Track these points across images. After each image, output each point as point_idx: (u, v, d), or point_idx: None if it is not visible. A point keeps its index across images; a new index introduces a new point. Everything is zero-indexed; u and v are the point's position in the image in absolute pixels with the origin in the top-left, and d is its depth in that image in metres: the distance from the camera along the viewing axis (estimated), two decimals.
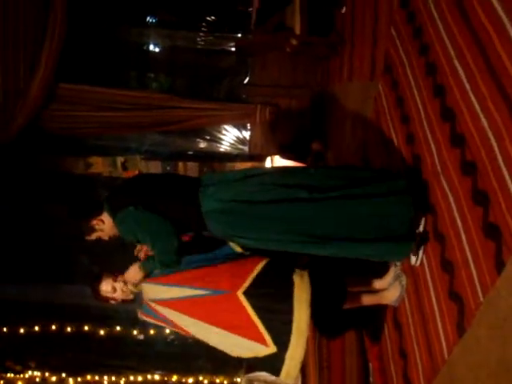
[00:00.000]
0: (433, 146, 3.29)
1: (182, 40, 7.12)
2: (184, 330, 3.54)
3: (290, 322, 3.22)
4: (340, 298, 3.52)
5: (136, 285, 3.51)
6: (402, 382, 3.58)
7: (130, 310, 7.11)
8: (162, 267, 3.38)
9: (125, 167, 6.81)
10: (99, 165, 6.87)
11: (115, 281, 3.54)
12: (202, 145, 6.95)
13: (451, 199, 3.00)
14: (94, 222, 3.44)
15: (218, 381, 7.15)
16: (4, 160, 5.97)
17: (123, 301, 3.63)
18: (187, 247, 3.54)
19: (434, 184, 3.23)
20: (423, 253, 3.33)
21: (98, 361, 7.35)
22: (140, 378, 7.29)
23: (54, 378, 7.14)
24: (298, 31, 5.54)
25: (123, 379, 7.33)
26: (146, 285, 3.50)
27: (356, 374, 4.31)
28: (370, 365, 4.18)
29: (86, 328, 7.22)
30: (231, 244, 3.58)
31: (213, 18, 6.97)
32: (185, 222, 3.36)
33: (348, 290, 3.57)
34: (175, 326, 3.53)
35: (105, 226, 3.45)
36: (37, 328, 7.18)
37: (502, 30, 2.59)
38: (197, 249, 3.60)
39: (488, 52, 2.70)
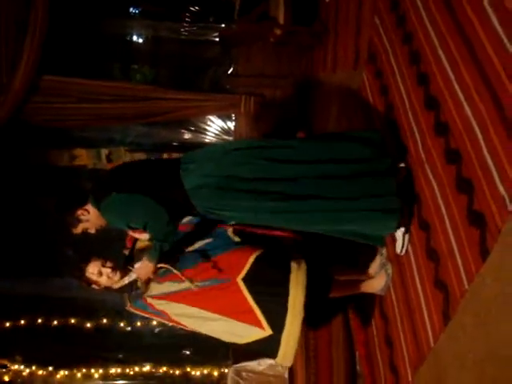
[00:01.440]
0: (417, 134, 3.29)
1: (165, 31, 7.07)
2: (178, 323, 3.56)
3: (285, 304, 3.25)
4: (326, 286, 3.54)
5: (150, 280, 3.50)
6: (388, 370, 3.60)
7: (116, 302, 7.13)
8: (160, 244, 3.36)
9: (109, 159, 6.77)
10: (84, 157, 6.83)
11: (103, 266, 3.53)
12: (187, 136, 6.92)
13: (435, 187, 3.01)
14: (79, 212, 3.41)
15: (205, 372, 7.15)
16: None
17: (106, 288, 3.61)
18: (180, 244, 3.57)
19: (419, 172, 3.24)
20: (408, 241, 3.35)
21: (85, 354, 7.32)
22: (128, 370, 7.28)
23: (41, 372, 7.11)
24: (281, 21, 5.52)
25: (111, 371, 7.32)
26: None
27: (343, 362, 4.33)
28: (357, 353, 4.21)
29: (73, 321, 7.19)
30: (228, 233, 3.60)
31: (196, 8, 6.93)
32: (172, 205, 3.34)
33: (334, 279, 3.58)
34: (169, 318, 3.54)
35: (90, 215, 3.43)
36: (23, 321, 7.15)
37: (486, 19, 2.59)
38: (190, 244, 3.62)
39: (471, 41, 2.70)
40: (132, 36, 7.22)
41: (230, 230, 3.68)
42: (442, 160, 2.95)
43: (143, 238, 3.67)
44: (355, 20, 4.73)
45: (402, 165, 3.40)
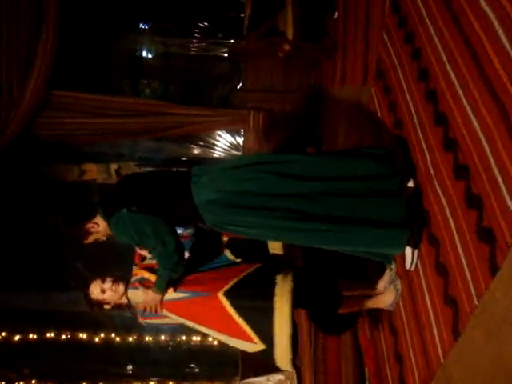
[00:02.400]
0: (426, 150, 3.30)
1: (175, 46, 7.13)
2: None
3: (271, 318, 3.24)
4: (335, 302, 3.53)
5: (159, 309, 3.48)
6: None
7: (124, 317, 7.14)
8: (168, 273, 3.34)
9: (119, 174, 6.81)
10: (93, 172, 6.87)
11: (103, 282, 3.55)
12: (196, 151, 6.96)
13: (444, 203, 3.01)
14: (89, 225, 3.41)
15: None
16: None
17: (118, 306, 3.62)
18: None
19: (428, 188, 3.24)
20: (418, 257, 3.34)
21: (92, 368, 7.33)
22: None
23: None
24: (290, 36, 5.54)
25: None
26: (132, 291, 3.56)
27: (352, 379, 4.31)
28: (366, 369, 4.19)
29: (82, 335, 7.21)
30: (226, 253, 3.62)
31: (206, 24, 6.98)
32: (180, 217, 3.35)
33: (343, 295, 3.57)
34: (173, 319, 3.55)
35: (100, 228, 3.42)
36: (32, 335, 7.16)
37: (494, 36, 2.60)
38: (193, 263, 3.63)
39: (480, 57, 2.71)
40: (142, 51, 7.29)
41: (227, 253, 3.74)
42: (451, 175, 2.95)
43: (150, 256, 3.69)
44: (363, 36, 4.76)
45: (411, 183, 3.40)
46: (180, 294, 3.42)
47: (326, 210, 3.14)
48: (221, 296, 3.30)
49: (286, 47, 5.60)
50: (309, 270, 3.82)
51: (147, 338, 7.27)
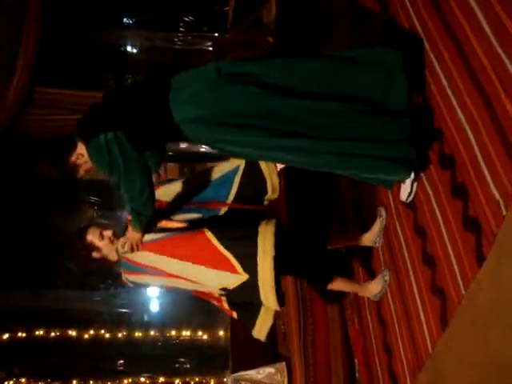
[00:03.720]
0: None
1: (159, 40, 7.10)
2: (166, 274, 3.40)
3: (254, 245, 3.19)
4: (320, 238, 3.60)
5: (140, 247, 3.35)
6: (387, 377, 3.59)
7: (114, 313, 7.13)
8: (135, 213, 3.24)
9: None
10: None
11: (104, 229, 3.45)
12: (183, 145, 6.93)
13: (430, 193, 3.01)
14: (73, 158, 3.27)
15: (204, 381, 7.15)
16: None
17: (105, 260, 3.48)
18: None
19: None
20: (416, 190, 3.17)
21: (83, 365, 7.31)
22: (126, 382, 7.26)
23: None
24: (274, 28, 5.54)
25: (109, 383, 7.30)
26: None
27: (342, 370, 4.32)
28: (356, 360, 4.20)
29: (71, 332, 7.18)
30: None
31: (190, 17, 6.95)
32: (160, 136, 3.21)
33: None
34: (157, 270, 3.39)
35: (85, 157, 3.25)
36: (20, 334, 7.13)
37: (478, 27, 2.60)
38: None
39: (464, 48, 2.71)
40: (126, 46, 7.25)
41: (222, 213, 3.60)
42: (437, 165, 2.95)
43: None
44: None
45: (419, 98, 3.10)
46: (164, 233, 3.37)
47: (318, 131, 2.91)
48: (206, 230, 3.26)
49: (270, 39, 5.59)
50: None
51: (137, 334, 7.25)
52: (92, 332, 7.19)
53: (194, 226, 3.42)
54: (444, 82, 2.88)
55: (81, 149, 3.23)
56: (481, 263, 2.51)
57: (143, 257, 3.37)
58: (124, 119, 3.10)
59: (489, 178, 2.47)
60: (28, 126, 6.08)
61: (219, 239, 3.22)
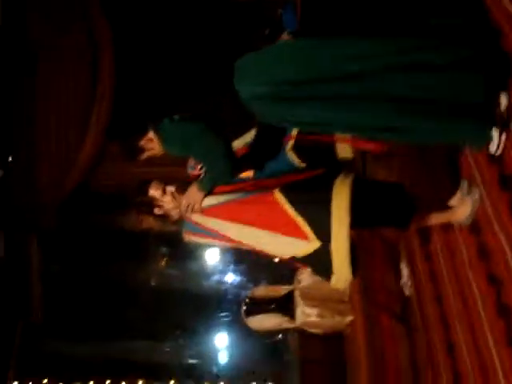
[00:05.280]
0: (482, 187, 3.21)
1: None
2: (229, 239, 3.30)
3: (328, 211, 3.00)
4: (408, 211, 3.26)
5: (199, 209, 3.24)
6: None
7: (181, 364, 7.13)
8: (216, 180, 3.21)
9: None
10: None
11: (167, 184, 3.36)
12: None
13: (504, 242, 2.92)
14: (143, 142, 3.33)
15: None
16: (57, 220, 6.11)
17: (167, 216, 3.40)
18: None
19: (486, 226, 3.14)
20: (505, 141, 2.87)
21: None
22: None
23: None
24: None
25: None
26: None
27: None
28: None
29: (141, 383, 7.22)
30: (291, 156, 3.50)
31: None
32: (226, 118, 3.18)
33: (415, 204, 3.28)
34: (219, 235, 3.29)
35: (154, 144, 3.32)
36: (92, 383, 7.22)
37: None
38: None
39: None
40: None
41: (288, 148, 3.52)
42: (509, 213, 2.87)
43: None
44: None
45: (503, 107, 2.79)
46: (233, 196, 3.22)
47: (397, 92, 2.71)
48: (276, 192, 3.11)
49: None
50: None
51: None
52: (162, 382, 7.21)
53: (262, 175, 3.33)
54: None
55: (151, 135, 3.29)
56: None
57: (207, 220, 3.27)
58: (190, 101, 3.19)
59: None
60: (101, 179, 6.27)
61: (290, 202, 3.07)
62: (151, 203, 3.35)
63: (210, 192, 3.25)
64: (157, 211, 3.37)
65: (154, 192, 3.33)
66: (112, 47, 6.00)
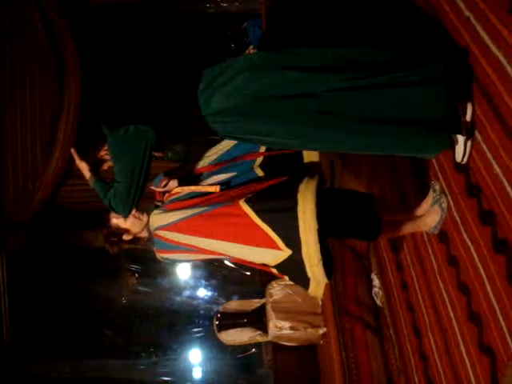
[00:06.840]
0: (449, 197, 3.25)
1: None
2: (202, 250, 3.21)
3: (295, 217, 2.94)
4: (374, 226, 3.29)
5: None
6: None
7: (155, 382, 7.07)
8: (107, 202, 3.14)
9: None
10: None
11: None
12: None
13: (472, 250, 2.96)
14: (102, 153, 3.25)
15: None
16: (26, 240, 6.03)
17: (138, 239, 3.35)
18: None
19: (455, 235, 3.18)
20: (471, 148, 2.90)
21: None
22: None
23: None
24: None
25: None
26: (152, 216, 3.29)
27: None
28: None
29: None
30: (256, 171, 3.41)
31: None
32: (186, 129, 3.14)
33: (382, 218, 3.31)
34: (190, 247, 3.21)
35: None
36: None
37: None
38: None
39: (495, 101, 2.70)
40: None
41: (256, 164, 3.42)
42: (477, 221, 2.91)
43: (170, 188, 3.42)
44: None
45: (468, 118, 2.86)
46: (197, 210, 3.13)
47: (347, 107, 2.74)
48: (242, 202, 3.03)
49: None
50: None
51: None
52: None
53: (228, 188, 3.25)
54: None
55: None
56: None
57: (176, 236, 3.19)
58: (151, 112, 3.08)
59: None
60: (66, 197, 6.21)
61: (256, 212, 2.99)
62: (117, 232, 3.32)
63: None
64: (125, 237, 3.33)
65: (115, 221, 3.31)
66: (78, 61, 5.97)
